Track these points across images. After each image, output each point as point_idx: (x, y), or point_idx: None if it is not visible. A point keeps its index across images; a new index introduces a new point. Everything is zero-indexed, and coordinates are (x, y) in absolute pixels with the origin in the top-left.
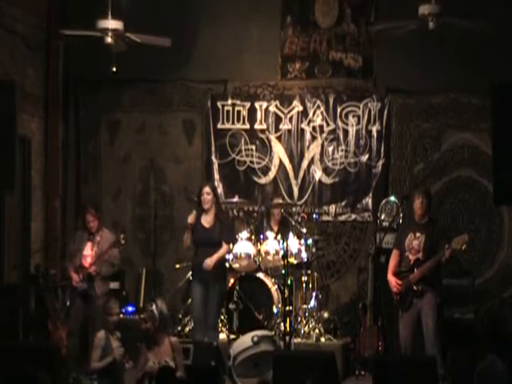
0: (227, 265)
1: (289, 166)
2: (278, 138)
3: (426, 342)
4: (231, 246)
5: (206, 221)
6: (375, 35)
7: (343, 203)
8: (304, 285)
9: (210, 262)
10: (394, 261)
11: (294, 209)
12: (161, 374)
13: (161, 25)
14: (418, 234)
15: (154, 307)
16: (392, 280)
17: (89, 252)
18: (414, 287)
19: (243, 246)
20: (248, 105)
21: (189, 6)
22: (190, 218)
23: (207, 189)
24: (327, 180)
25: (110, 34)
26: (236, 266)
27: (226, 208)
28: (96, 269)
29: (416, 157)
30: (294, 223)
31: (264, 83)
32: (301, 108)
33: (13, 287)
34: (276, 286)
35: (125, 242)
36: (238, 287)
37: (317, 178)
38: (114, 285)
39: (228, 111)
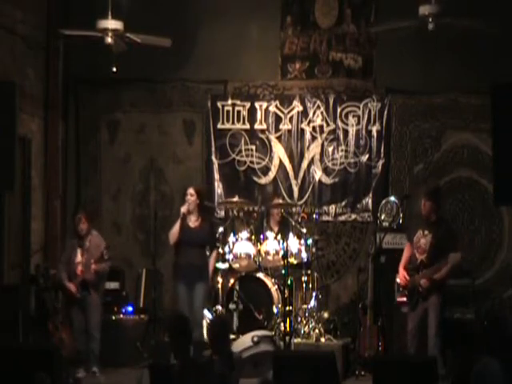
0: (227, 265)
1: (289, 166)
2: (278, 138)
3: (428, 341)
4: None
5: (191, 220)
6: (375, 35)
7: (343, 203)
8: (304, 285)
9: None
10: (407, 254)
11: (293, 209)
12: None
13: (161, 25)
14: (426, 232)
15: None
16: (401, 273)
17: (79, 259)
18: (420, 288)
19: (243, 245)
20: (248, 105)
21: (189, 6)
22: (184, 208)
23: (191, 190)
24: (327, 180)
25: (110, 34)
26: (236, 266)
27: (225, 208)
28: (90, 277)
29: (416, 157)
30: (293, 223)
31: (264, 83)
32: (301, 108)
33: (13, 287)
34: (276, 286)
35: (108, 258)
36: (237, 287)
37: (317, 178)
38: (114, 285)
39: (228, 111)
